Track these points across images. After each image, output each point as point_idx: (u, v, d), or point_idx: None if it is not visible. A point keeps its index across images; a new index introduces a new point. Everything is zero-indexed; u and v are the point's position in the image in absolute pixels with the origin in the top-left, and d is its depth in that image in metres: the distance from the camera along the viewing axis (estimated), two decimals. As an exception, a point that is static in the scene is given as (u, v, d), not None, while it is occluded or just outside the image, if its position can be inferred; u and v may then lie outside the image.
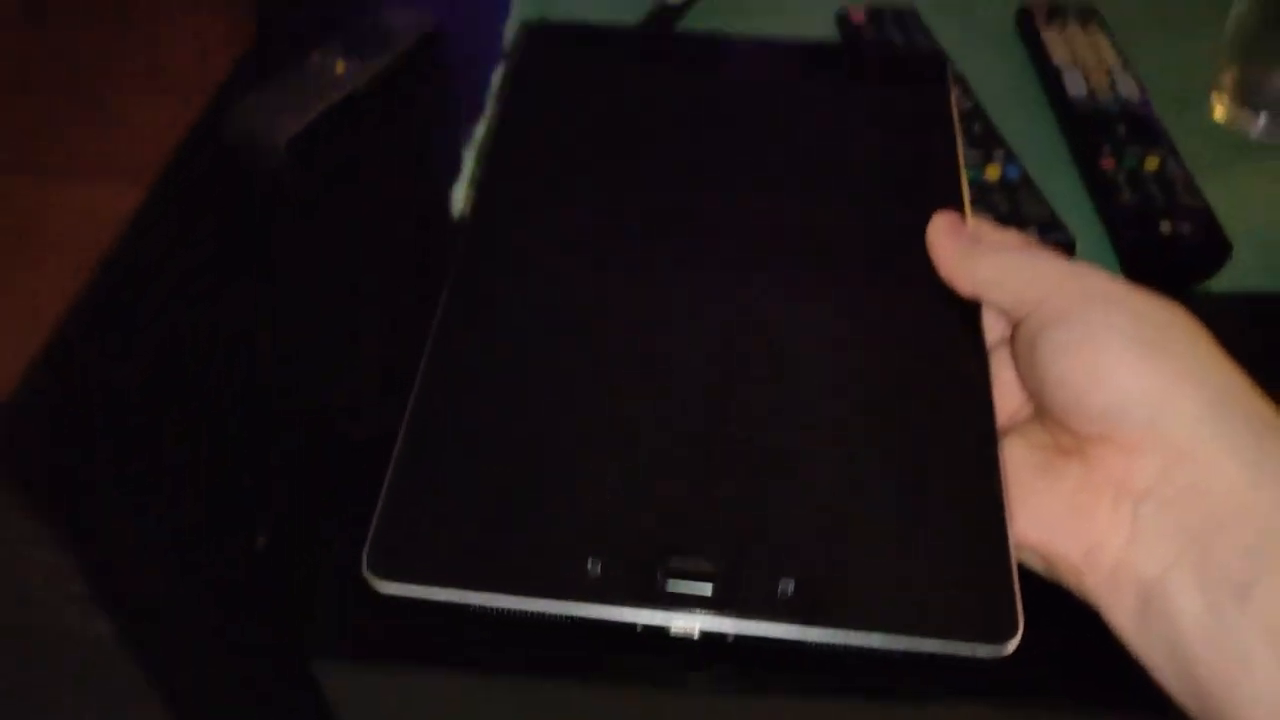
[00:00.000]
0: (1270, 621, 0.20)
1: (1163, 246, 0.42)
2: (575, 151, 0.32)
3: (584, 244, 0.29)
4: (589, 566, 0.22)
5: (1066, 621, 0.24)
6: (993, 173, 0.45)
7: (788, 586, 0.22)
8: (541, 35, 0.36)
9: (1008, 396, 0.27)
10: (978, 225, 0.29)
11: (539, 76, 0.34)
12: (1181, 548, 0.21)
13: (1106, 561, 0.22)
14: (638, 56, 0.36)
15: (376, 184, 0.48)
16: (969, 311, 0.28)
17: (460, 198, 0.46)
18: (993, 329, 0.28)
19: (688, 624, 0.22)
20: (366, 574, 0.22)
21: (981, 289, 0.27)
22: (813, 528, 0.23)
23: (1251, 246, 0.43)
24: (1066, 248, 0.42)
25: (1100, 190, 0.45)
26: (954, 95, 0.34)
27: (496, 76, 0.53)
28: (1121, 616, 0.22)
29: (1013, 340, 0.26)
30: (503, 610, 0.22)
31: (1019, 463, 0.25)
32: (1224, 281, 0.43)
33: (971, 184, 0.44)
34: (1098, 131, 0.46)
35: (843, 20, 0.55)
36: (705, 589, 0.22)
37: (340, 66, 0.51)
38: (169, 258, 0.44)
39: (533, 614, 0.22)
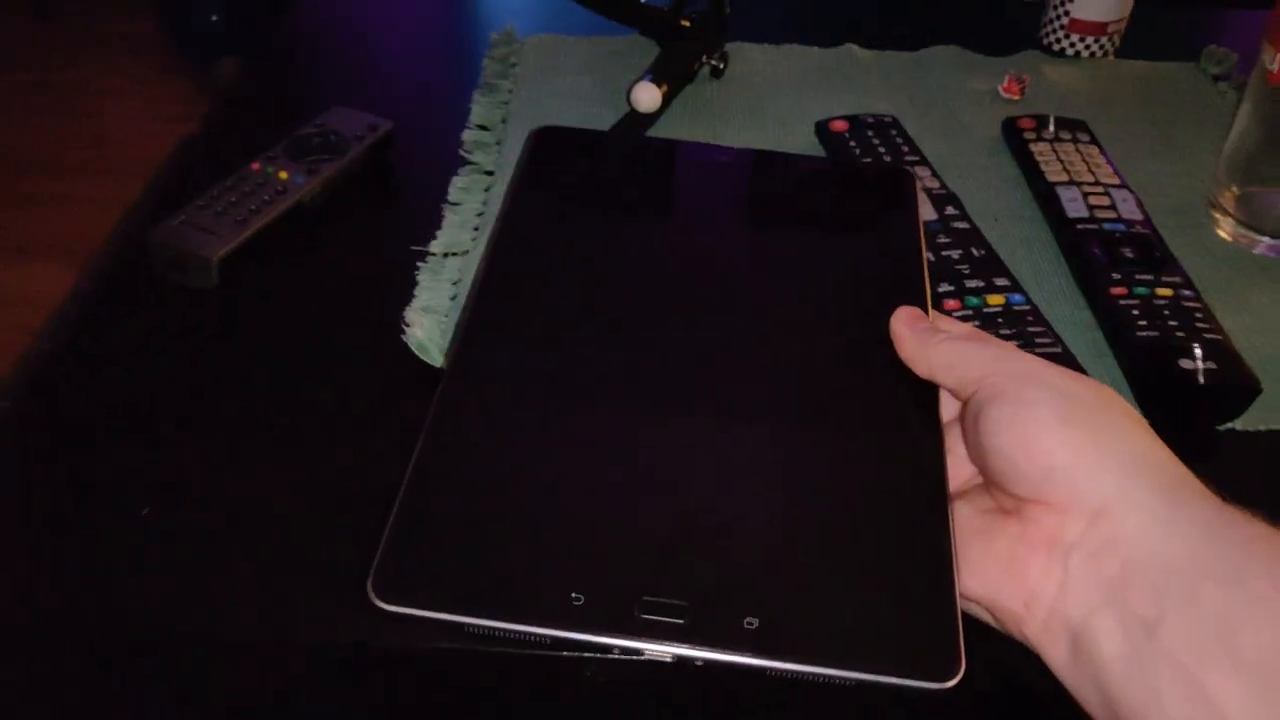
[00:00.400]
0: (1176, 653, 0.22)
1: (1184, 387, 0.38)
2: (575, 247, 0.36)
3: (577, 333, 0.33)
4: (573, 598, 0.25)
5: (1006, 661, 0.27)
6: (996, 301, 0.41)
7: (752, 623, 0.25)
8: (548, 137, 0.40)
9: (961, 468, 0.30)
10: (937, 317, 0.33)
11: (545, 175, 0.38)
12: (1103, 594, 0.24)
13: (1042, 610, 0.25)
14: (635, 161, 0.40)
15: (322, 303, 0.43)
16: (927, 392, 0.31)
17: (413, 319, 0.42)
18: (950, 408, 0.31)
19: (660, 651, 0.25)
20: (371, 595, 0.25)
21: (936, 372, 0.30)
22: (779, 573, 0.27)
23: (1275, 378, 0.40)
24: (1083, 388, 0.38)
25: (1111, 321, 0.41)
26: (919, 205, 0.38)
27: (455, 183, 0.49)
28: (1056, 658, 0.25)
29: (961, 417, 0.29)
30: (494, 630, 0.25)
31: (966, 525, 0.28)
32: (1249, 419, 0.39)
33: (975, 313, 0.41)
34: (1103, 257, 0.43)
35: (822, 130, 0.52)
36: (678, 621, 0.25)
37: (284, 174, 0.46)
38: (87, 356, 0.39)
39: (521, 635, 0.25)
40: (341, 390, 0.39)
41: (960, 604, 0.26)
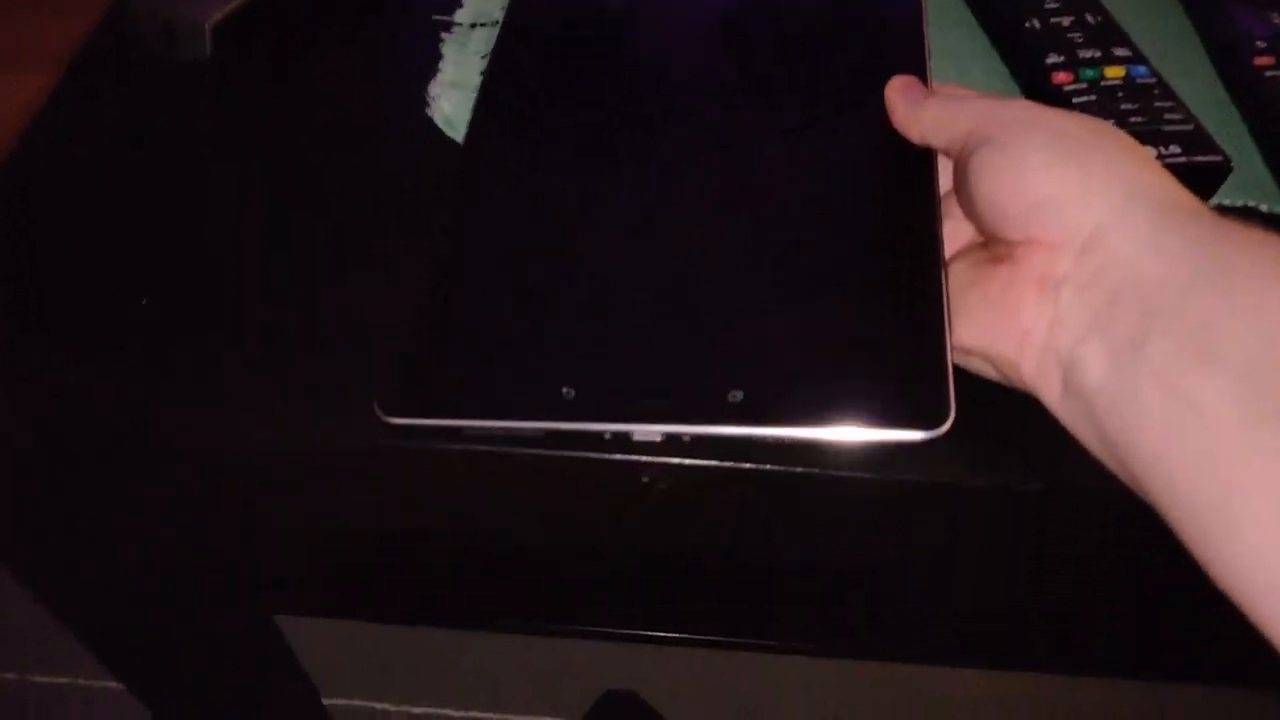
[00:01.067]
0: (1157, 364, 0.22)
1: (1338, 170, 0.33)
2: (577, 51, 0.35)
3: (581, 131, 0.33)
4: (564, 391, 0.26)
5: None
6: (1115, 73, 0.35)
7: (737, 395, 0.25)
8: None
9: (959, 230, 0.29)
10: (942, 86, 0.31)
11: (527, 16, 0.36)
12: (1090, 320, 0.23)
13: (1035, 349, 0.25)
14: None
15: (334, 79, 0.38)
16: (921, 158, 0.30)
17: (438, 95, 0.36)
18: (949, 177, 0.29)
19: (648, 431, 0.26)
20: (378, 411, 0.26)
21: (928, 134, 0.29)
22: (765, 341, 0.27)
23: None
24: (1219, 172, 0.33)
25: (1254, 99, 0.35)
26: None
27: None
28: (1051, 396, 0.25)
29: (955, 174, 0.28)
30: (495, 430, 0.27)
31: (960, 278, 0.27)
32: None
33: (1091, 86, 0.35)
34: (1248, 19, 0.37)
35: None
36: (663, 402, 0.26)
37: (284, -69, 0.40)
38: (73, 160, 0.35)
39: (515, 432, 0.27)
40: (358, 176, 0.34)
41: (954, 357, 0.26)
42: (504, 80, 0.34)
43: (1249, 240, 0.22)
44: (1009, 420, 0.27)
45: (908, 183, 0.29)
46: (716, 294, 0.28)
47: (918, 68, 0.32)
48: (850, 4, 0.36)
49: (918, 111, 0.29)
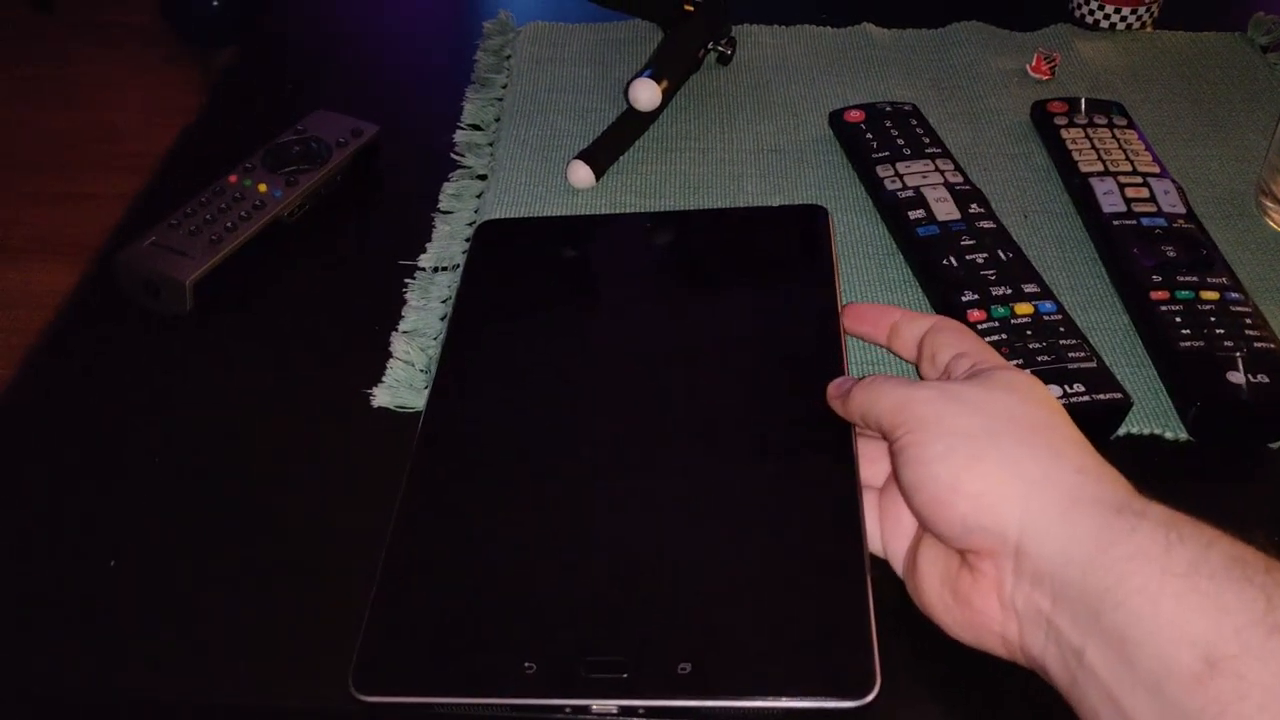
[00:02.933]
0: (1099, 675, 0.23)
1: (1231, 403, 0.35)
2: (522, 334, 0.38)
3: (524, 405, 0.35)
4: (525, 667, 0.28)
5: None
6: (1024, 310, 0.38)
7: (685, 668, 0.28)
8: (491, 229, 0.43)
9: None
10: (900, 314, 0.34)
11: (490, 268, 0.41)
12: (1044, 630, 0.25)
13: (1016, 649, 0.27)
14: (567, 238, 0.43)
15: (303, 327, 0.41)
16: (840, 431, 0.33)
17: (401, 345, 0.39)
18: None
19: (606, 706, 0.28)
20: (352, 690, 0.28)
21: (857, 421, 0.32)
22: (706, 617, 0.29)
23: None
24: (1120, 409, 0.35)
25: (1151, 329, 0.38)
26: (834, 241, 0.40)
27: (446, 190, 0.47)
28: (1050, 683, 0.26)
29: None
30: (463, 706, 0.28)
31: (934, 574, 0.29)
32: (1304, 437, 0.36)
33: (1001, 324, 0.37)
34: (1142, 257, 0.40)
35: (837, 122, 0.49)
36: (621, 677, 0.28)
37: (262, 187, 0.44)
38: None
39: (483, 707, 0.28)
40: (326, 426, 0.37)
41: (874, 623, 0.28)
42: (457, 358, 0.37)
43: (1135, 547, 0.23)
44: (942, 683, 0.29)
45: (826, 456, 0.32)
46: (663, 573, 0.30)
47: (831, 335, 0.36)
48: (765, 275, 0.39)
49: (844, 407, 0.32)
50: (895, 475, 0.29)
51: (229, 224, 0.42)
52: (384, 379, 0.38)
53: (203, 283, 0.40)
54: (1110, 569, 0.23)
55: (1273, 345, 0.36)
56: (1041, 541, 0.25)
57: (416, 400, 0.37)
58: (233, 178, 0.44)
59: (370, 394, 0.37)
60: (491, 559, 0.31)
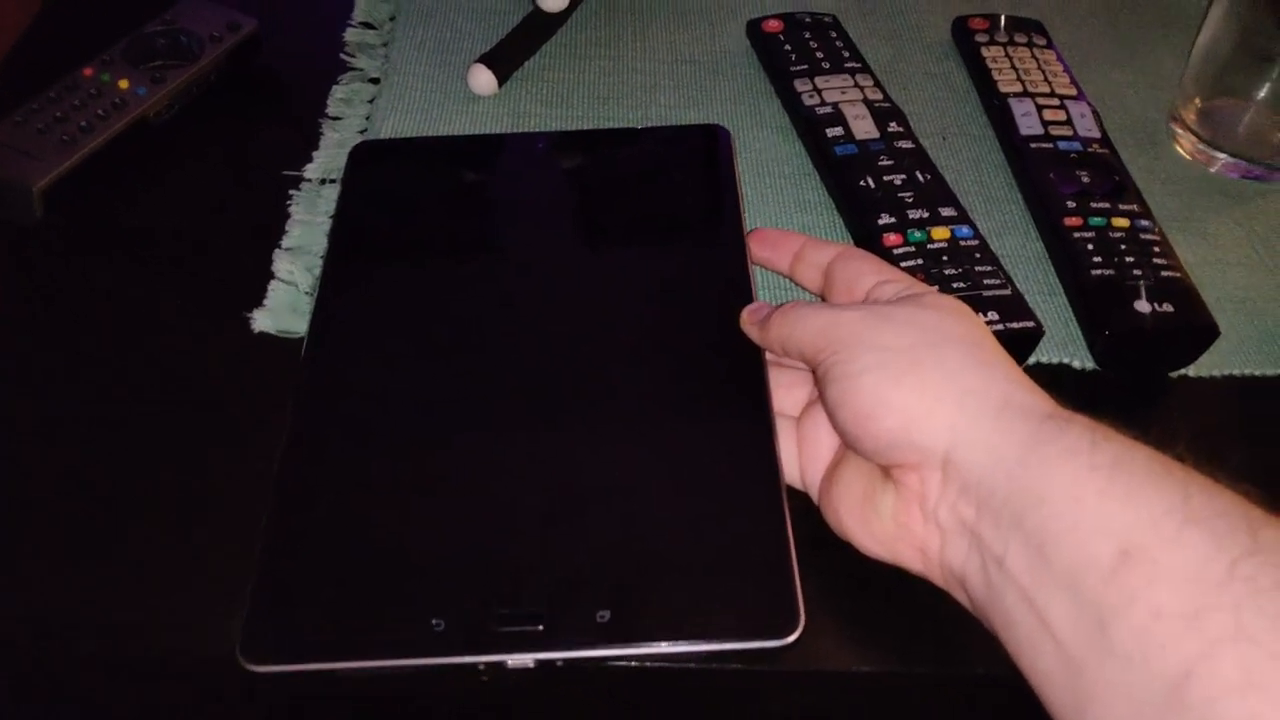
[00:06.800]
0: (1019, 579, 0.23)
1: (1139, 331, 0.35)
2: (406, 265, 0.35)
3: (416, 355, 0.32)
4: (433, 624, 0.26)
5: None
6: (940, 234, 0.37)
7: (604, 615, 0.26)
8: (367, 151, 0.39)
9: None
10: (809, 241, 0.34)
11: (367, 191, 0.38)
12: (968, 540, 0.25)
13: (935, 563, 0.26)
14: (451, 161, 0.39)
15: (172, 244, 0.37)
16: (750, 363, 0.32)
17: (285, 264, 0.36)
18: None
19: (522, 660, 0.26)
20: (240, 659, 0.25)
21: (778, 351, 0.31)
22: (622, 561, 0.27)
23: (1232, 317, 0.37)
24: (1033, 337, 0.35)
25: (1064, 256, 0.38)
26: (737, 162, 0.39)
27: (335, 94, 0.43)
28: (962, 601, 0.26)
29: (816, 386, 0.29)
30: (367, 670, 0.26)
31: (854, 493, 0.28)
32: (1203, 365, 0.36)
33: (918, 249, 0.36)
34: (1058, 182, 0.39)
35: (755, 31, 0.47)
36: (536, 628, 0.26)
37: (124, 83, 0.39)
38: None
39: (390, 670, 0.26)
40: (200, 353, 0.34)
41: (794, 560, 0.27)
42: (338, 294, 0.34)
43: (1063, 446, 0.24)
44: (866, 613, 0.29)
45: (737, 388, 0.31)
46: (575, 517, 0.28)
47: (738, 262, 0.34)
48: (666, 201, 0.37)
49: (764, 335, 0.31)
50: (821, 396, 0.28)
51: (84, 123, 0.37)
52: (265, 301, 0.35)
53: (54, 189, 0.36)
54: (1037, 467, 0.23)
55: (1178, 274, 0.37)
56: (971, 448, 0.25)
57: (300, 325, 0.34)
58: (88, 71, 0.39)
59: (250, 317, 0.34)
60: (388, 509, 0.28)
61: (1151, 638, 0.21)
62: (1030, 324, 0.34)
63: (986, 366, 0.26)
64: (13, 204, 0.36)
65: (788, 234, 0.34)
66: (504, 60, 0.44)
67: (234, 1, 0.43)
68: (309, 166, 0.40)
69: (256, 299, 0.35)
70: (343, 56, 0.45)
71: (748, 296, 0.33)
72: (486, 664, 0.26)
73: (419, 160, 0.39)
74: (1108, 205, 0.39)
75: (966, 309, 0.29)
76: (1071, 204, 0.39)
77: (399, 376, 0.32)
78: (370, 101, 0.43)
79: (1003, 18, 0.48)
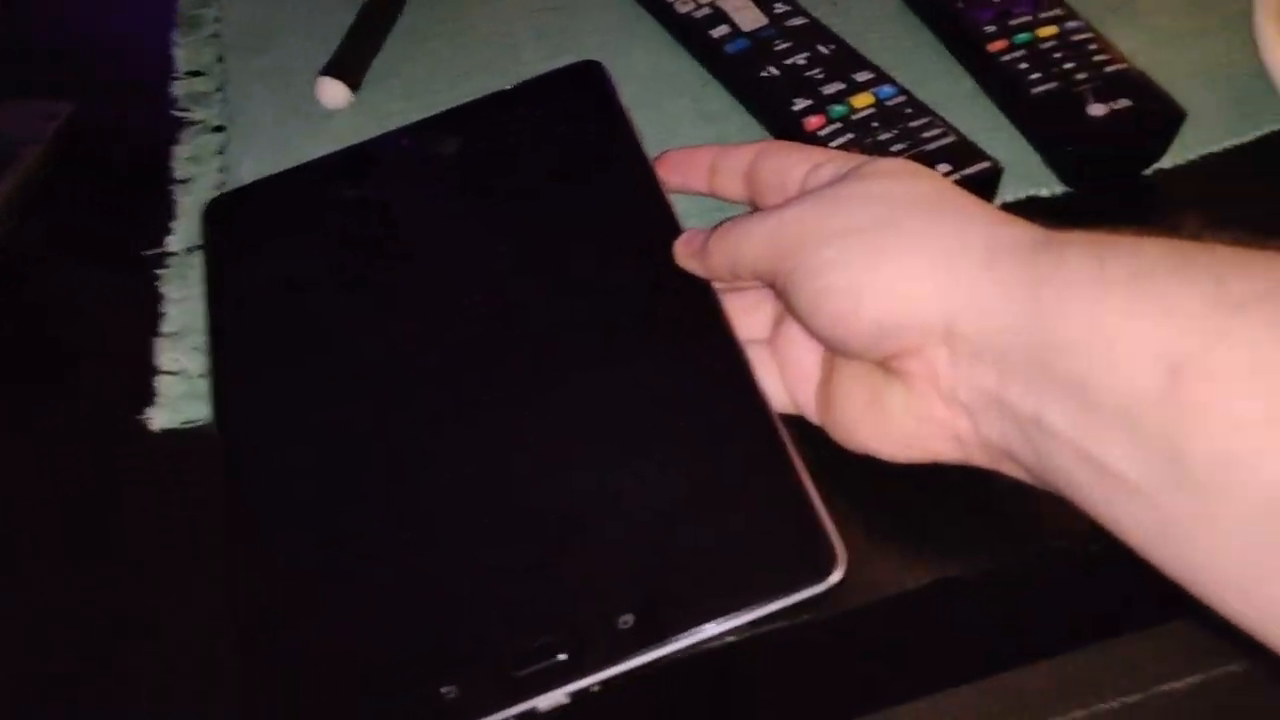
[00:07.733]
0: (1069, 440, 0.20)
1: (1101, 136, 0.32)
2: (305, 305, 0.32)
3: (342, 394, 0.29)
4: (444, 693, 0.23)
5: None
6: (863, 101, 0.34)
7: (627, 620, 0.23)
8: (221, 206, 0.35)
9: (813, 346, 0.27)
10: (721, 153, 0.30)
11: (235, 247, 0.34)
12: (999, 411, 0.22)
13: (974, 446, 0.23)
14: (317, 187, 0.35)
15: (41, 350, 0.33)
16: (698, 301, 0.28)
17: (169, 354, 0.32)
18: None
19: (554, 698, 0.23)
20: None
21: (727, 277, 0.28)
22: (628, 556, 0.25)
23: (1191, 94, 0.34)
24: (992, 177, 0.31)
25: (999, 84, 0.34)
26: (619, 93, 0.35)
27: (179, 154, 0.39)
28: (1015, 476, 0.23)
29: (781, 299, 0.27)
30: None
31: (857, 401, 0.25)
32: (1178, 151, 0.33)
33: (844, 123, 0.33)
34: (970, 9, 0.36)
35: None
36: (558, 659, 0.23)
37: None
38: None
39: None
40: (104, 465, 0.30)
41: (815, 496, 0.24)
42: (235, 365, 0.30)
43: (1067, 278, 0.21)
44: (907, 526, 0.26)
45: (701, 342, 0.28)
46: (563, 522, 0.25)
47: (650, 192, 0.31)
48: (557, 152, 0.34)
49: (705, 263, 0.28)
50: (790, 309, 0.25)
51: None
52: (157, 397, 0.31)
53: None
54: (1051, 307, 0.21)
55: (1124, 65, 0.33)
56: (971, 310, 0.22)
57: (202, 410, 0.30)
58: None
59: (145, 418, 0.30)
60: (361, 576, 0.25)
61: (1239, 456, 0.18)
62: (986, 164, 0.31)
63: (957, 216, 0.23)
64: None
65: (695, 150, 0.31)
66: (350, 66, 0.40)
67: (43, 92, 0.39)
68: (169, 239, 0.36)
69: (148, 396, 0.31)
70: (176, 114, 0.40)
71: (675, 229, 0.30)
72: (517, 716, 0.23)
73: (282, 197, 0.35)
74: (1029, 18, 0.35)
75: (915, 165, 0.26)
76: (991, 28, 0.35)
77: (335, 433, 0.28)
78: (221, 152, 0.39)
79: None
